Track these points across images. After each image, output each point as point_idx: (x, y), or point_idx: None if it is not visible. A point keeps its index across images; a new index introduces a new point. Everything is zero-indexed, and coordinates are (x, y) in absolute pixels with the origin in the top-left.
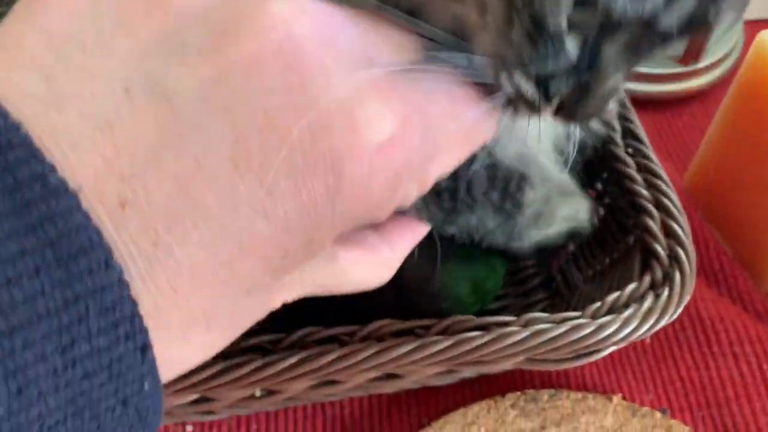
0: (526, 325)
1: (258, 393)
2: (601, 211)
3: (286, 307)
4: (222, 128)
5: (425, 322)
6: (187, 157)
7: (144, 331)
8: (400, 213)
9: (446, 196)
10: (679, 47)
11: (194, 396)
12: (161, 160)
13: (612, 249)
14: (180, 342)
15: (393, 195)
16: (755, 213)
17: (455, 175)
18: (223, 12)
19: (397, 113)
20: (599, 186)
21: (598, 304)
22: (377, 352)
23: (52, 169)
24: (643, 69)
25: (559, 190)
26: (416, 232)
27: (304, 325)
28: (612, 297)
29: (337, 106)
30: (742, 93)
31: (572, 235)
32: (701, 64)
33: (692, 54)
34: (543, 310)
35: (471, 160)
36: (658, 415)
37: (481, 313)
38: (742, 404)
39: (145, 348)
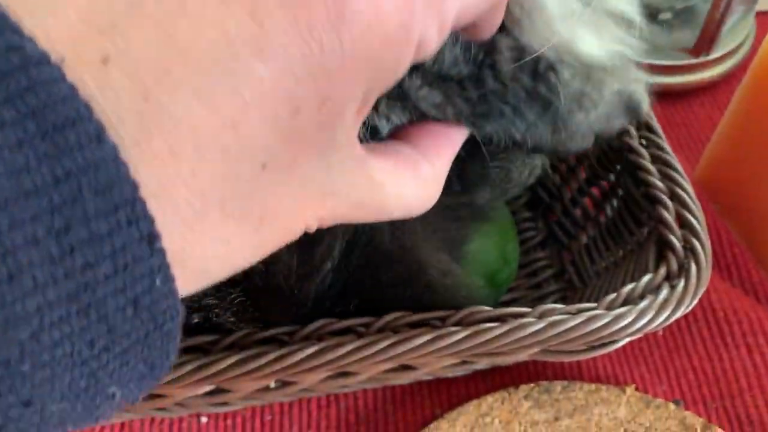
0: (541, 316)
1: (272, 384)
2: (615, 203)
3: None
4: None
5: (441, 313)
6: None
7: (149, 219)
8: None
9: (470, 85)
10: (690, 38)
11: (209, 387)
12: (141, 5)
13: (626, 241)
14: (192, 231)
15: (409, 28)
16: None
17: (476, 60)
18: None
19: None
20: (612, 178)
21: (614, 295)
22: (393, 344)
23: (31, 40)
24: (654, 60)
25: (603, 65)
26: (453, 140)
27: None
28: (627, 288)
29: None
30: (755, 85)
31: (631, 114)
32: (713, 56)
33: (703, 45)
34: (555, 302)
35: (492, 44)
36: (672, 406)
37: (494, 305)
38: (755, 395)
39: (153, 237)
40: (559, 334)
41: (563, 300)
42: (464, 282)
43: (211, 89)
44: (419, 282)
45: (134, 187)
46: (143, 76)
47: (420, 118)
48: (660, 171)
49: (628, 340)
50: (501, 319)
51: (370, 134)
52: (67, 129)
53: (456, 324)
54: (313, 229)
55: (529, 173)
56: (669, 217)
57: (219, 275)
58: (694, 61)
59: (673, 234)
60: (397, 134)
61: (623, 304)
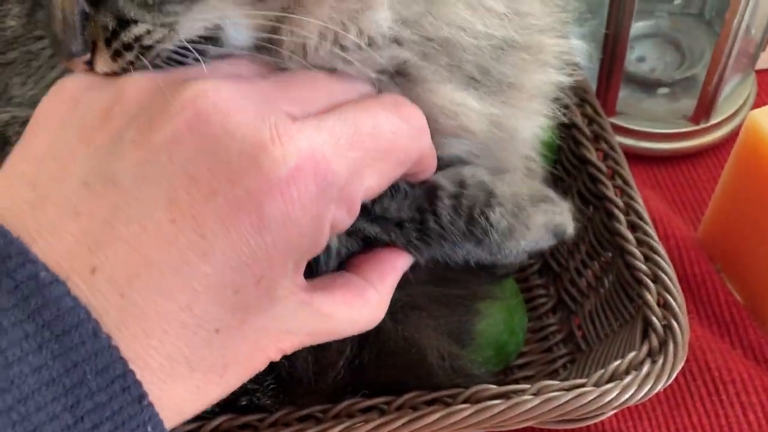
0: (539, 392)
1: None
2: (611, 278)
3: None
4: (157, 196)
5: (452, 391)
6: (134, 224)
7: (137, 384)
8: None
9: (411, 226)
10: (689, 107)
11: None
12: (115, 230)
13: (621, 312)
14: (167, 384)
15: (319, 220)
16: (763, 263)
17: (419, 207)
18: (150, 106)
19: (295, 147)
20: (609, 255)
21: (602, 371)
22: (411, 420)
23: (44, 266)
24: (656, 129)
25: (531, 197)
26: (396, 267)
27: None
28: (614, 365)
29: (244, 156)
30: (740, 168)
31: (557, 237)
32: (712, 122)
33: (702, 113)
34: (565, 365)
35: (434, 191)
36: None
37: (504, 371)
38: None
39: (142, 397)
40: (553, 409)
41: (572, 363)
42: (465, 363)
43: (169, 286)
44: (421, 368)
45: (125, 363)
46: (119, 281)
47: (369, 242)
48: (645, 255)
49: (614, 411)
50: (504, 395)
51: (327, 255)
52: (72, 332)
53: (464, 401)
54: (277, 358)
55: None
56: (651, 298)
57: (195, 411)
58: (694, 127)
59: (655, 315)
60: (349, 261)
61: (609, 380)
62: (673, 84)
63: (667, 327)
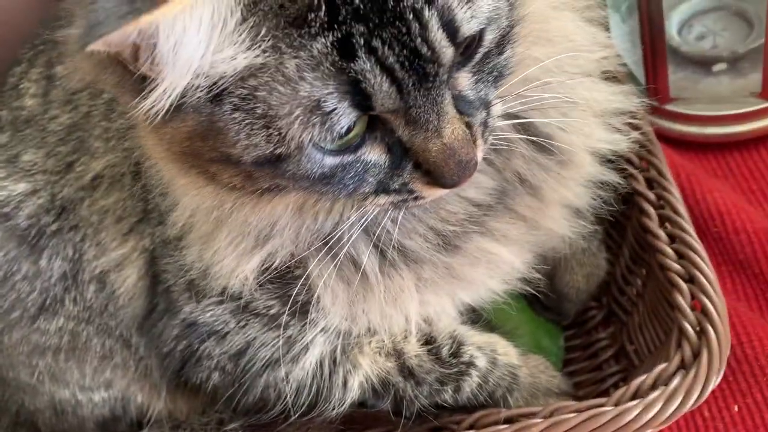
0: (551, 414)
1: None
2: (651, 286)
3: None
4: None
5: (456, 417)
6: None
7: None
8: None
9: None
10: (758, 82)
11: None
12: None
13: (665, 323)
14: None
15: None
16: None
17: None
18: None
19: None
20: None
21: (624, 389)
22: None
23: None
24: (716, 111)
25: (547, 391)
26: None
27: None
28: (639, 380)
29: None
30: None
31: None
32: None
33: None
34: (616, 384)
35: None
36: None
37: None
38: None
39: None
40: None
41: (624, 381)
42: None
43: None
44: None
45: None
46: None
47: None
48: (678, 252)
49: None
50: (512, 420)
51: None
52: None
53: (469, 427)
54: None
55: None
56: (683, 301)
57: None
58: (763, 105)
59: (687, 320)
60: None
61: (633, 398)
62: (738, 59)
63: (702, 333)
